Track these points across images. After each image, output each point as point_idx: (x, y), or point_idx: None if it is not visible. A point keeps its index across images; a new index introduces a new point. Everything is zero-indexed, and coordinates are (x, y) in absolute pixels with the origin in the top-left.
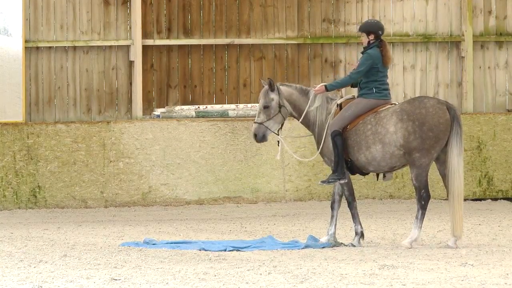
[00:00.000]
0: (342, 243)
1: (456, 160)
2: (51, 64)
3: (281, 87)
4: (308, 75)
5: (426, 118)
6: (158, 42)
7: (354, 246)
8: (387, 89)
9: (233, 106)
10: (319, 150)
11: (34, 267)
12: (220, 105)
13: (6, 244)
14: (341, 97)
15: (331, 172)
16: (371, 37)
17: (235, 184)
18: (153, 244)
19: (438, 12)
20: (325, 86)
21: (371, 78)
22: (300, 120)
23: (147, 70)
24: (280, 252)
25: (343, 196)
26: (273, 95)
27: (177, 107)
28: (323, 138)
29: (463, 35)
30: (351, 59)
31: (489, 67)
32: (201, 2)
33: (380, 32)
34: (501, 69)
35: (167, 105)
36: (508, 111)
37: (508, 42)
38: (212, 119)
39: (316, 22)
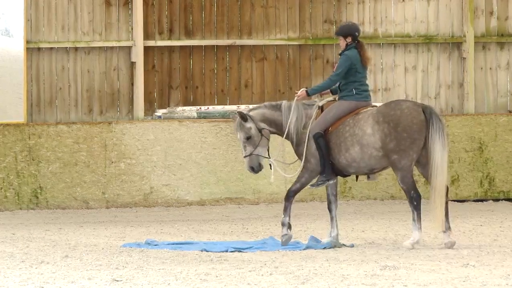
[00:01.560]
0: (343, 244)
1: (440, 154)
2: (53, 65)
3: (250, 113)
4: (309, 76)
5: (400, 119)
6: (160, 43)
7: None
8: (367, 90)
9: (234, 107)
10: (304, 157)
11: (36, 268)
12: (222, 106)
13: (8, 245)
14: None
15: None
16: (349, 39)
17: (236, 185)
18: (155, 245)
19: (439, 13)
20: (306, 91)
21: (350, 79)
22: (284, 136)
23: (149, 71)
24: (282, 253)
25: (338, 196)
26: (249, 124)
27: (179, 108)
28: (305, 142)
29: (464, 36)
30: None
31: (490, 68)
32: (202, 3)
33: (356, 34)
34: (503, 70)
35: (168, 106)
36: (510, 112)
37: (510, 43)
38: (213, 120)
39: (318, 23)
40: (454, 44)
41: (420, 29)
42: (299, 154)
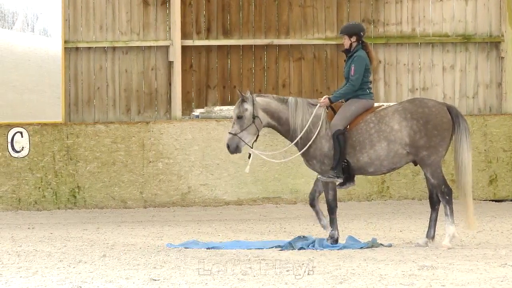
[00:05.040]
0: (381, 243)
1: (466, 156)
2: (91, 65)
3: (257, 98)
4: None
5: (430, 117)
6: (197, 42)
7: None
8: None
9: None
10: (310, 153)
11: (74, 267)
12: None
13: (46, 244)
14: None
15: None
16: (353, 39)
17: (274, 185)
18: (197, 244)
19: (477, 13)
20: (329, 98)
21: (363, 79)
22: (280, 128)
23: (186, 70)
24: (319, 252)
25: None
26: (247, 106)
27: (216, 108)
28: (313, 139)
29: (502, 35)
30: (390, 59)
31: None
32: (240, 2)
33: (362, 34)
34: None
35: (206, 105)
36: None
37: None
38: None
39: None
40: (492, 43)
41: (458, 28)
42: (310, 156)
